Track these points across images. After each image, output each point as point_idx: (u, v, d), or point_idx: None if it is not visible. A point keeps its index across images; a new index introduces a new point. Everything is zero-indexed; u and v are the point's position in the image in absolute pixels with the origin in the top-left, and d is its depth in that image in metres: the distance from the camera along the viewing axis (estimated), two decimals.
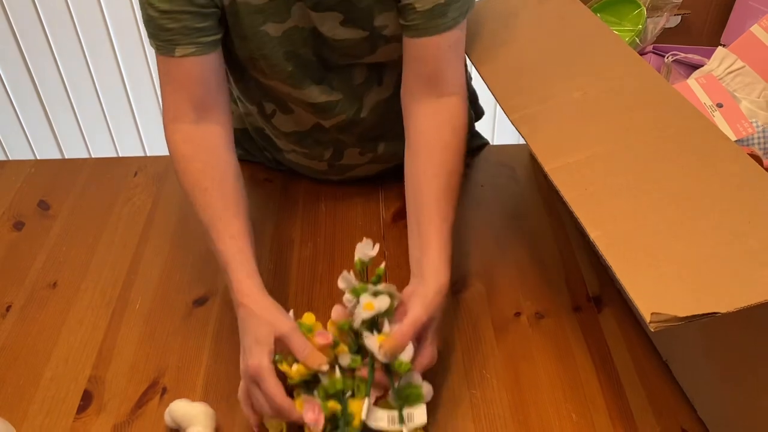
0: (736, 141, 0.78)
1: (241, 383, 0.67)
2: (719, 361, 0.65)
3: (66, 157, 2.06)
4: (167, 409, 0.70)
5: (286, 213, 0.98)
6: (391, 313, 0.67)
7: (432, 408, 0.71)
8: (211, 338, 0.80)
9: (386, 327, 0.66)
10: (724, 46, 0.99)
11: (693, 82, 0.80)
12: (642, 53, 0.91)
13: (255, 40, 0.77)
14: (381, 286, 0.68)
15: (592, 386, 0.73)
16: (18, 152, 2.06)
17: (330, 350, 0.66)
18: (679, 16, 0.97)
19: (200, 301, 0.84)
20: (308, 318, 0.68)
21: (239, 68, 0.84)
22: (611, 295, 0.83)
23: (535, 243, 0.91)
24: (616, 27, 0.89)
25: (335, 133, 0.91)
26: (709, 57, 0.92)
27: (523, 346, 0.78)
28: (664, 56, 0.91)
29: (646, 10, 0.89)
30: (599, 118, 0.68)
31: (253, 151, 1.05)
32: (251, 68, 0.82)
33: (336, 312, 0.69)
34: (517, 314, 0.81)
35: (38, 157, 2.04)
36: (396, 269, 0.88)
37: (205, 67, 0.75)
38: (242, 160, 1.07)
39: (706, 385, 0.68)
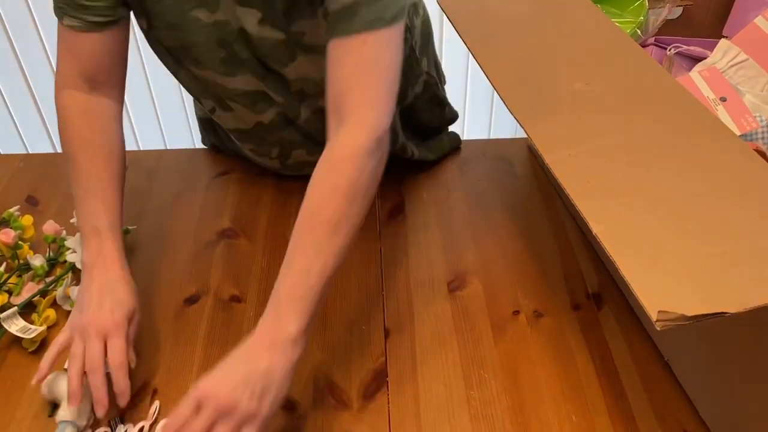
0: (740, 136, 0.76)
1: (67, 336, 0.68)
2: (722, 361, 0.64)
3: (58, 151, 2.03)
4: (44, 381, 0.69)
5: (280, 209, 0.96)
6: None
7: (428, 409, 0.70)
8: (202, 339, 0.78)
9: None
10: (726, 38, 0.97)
11: (696, 75, 0.78)
12: (643, 45, 0.89)
13: (185, 26, 0.74)
14: None
15: (592, 387, 0.71)
16: (9, 146, 2.03)
17: None
18: (681, 8, 0.95)
19: (192, 300, 0.82)
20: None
21: (172, 61, 0.81)
22: (611, 293, 0.82)
23: (533, 239, 0.90)
24: (618, 18, 0.87)
25: (277, 131, 0.88)
26: (711, 49, 0.90)
27: (522, 345, 0.76)
28: (665, 48, 0.89)
29: (648, 2, 0.87)
30: (601, 111, 0.66)
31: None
32: (184, 58, 0.79)
33: None
34: (516, 313, 0.80)
35: (30, 152, 2.01)
36: (392, 267, 0.86)
37: (95, 43, 0.73)
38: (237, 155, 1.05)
39: (708, 386, 0.67)
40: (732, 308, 0.46)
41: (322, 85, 0.69)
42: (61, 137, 0.76)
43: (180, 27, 0.74)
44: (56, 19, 0.73)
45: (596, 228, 0.54)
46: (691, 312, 0.47)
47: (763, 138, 0.85)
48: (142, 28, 0.78)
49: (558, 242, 0.89)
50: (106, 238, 0.72)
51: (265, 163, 0.97)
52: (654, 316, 0.47)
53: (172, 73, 0.85)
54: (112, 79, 0.77)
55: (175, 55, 0.80)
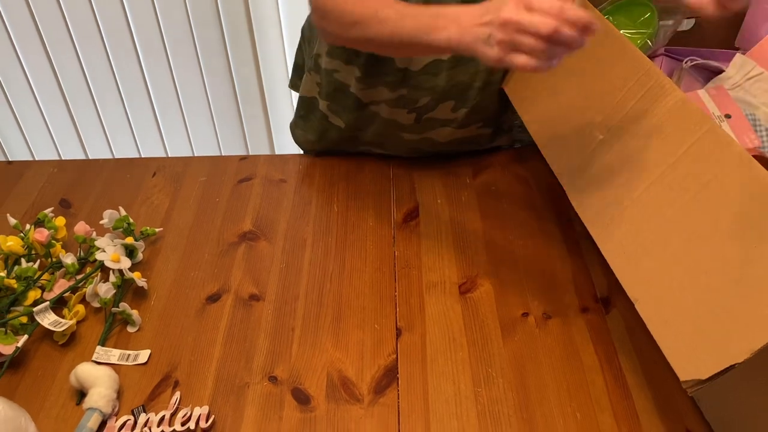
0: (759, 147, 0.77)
1: (499, 34, 0.61)
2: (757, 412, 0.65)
3: (90, 158, 2.10)
4: (72, 371, 0.73)
5: (299, 213, 0.99)
6: None
7: (436, 404, 0.72)
8: (222, 334, 0.81)
9: None
10: (738, 49, 0.99)
11: (704, 92, 0.80)
12: (654, 55, 0.91)
13: None
14: None
15: (598, 387, 0.73)
16: (43, 153, 2.11)
17: None
18: (693, 19, 0.96)
19: (213, 298, 0.86)
20: None
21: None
22: (619, 296, 0.83)
23: (544, 243, 0.92)
24: (629, 29, 0.89)
25: (445, 73, 0.93)
26: (725, 60, 0.91)
27: (530, 346, 0.78)
28: (675, 58, 0.91)
29: (659, 13, 0.89)
30: (626, 164, 0.70)
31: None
32: None
33: None
34: (525, 314, 0.82)
35: (63, 158, 2.09)
36: (406, 269, 0.89)
37: None
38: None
39: (712, 387, 0.68)
40: (739, 358, 0.51)
41: None
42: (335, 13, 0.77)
43: None
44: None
45: (638, 305, 0.62)
46: (705, 374, 0.52)
47: None
48: None
49: (567, 246, 0.91)
50: (423, 14, 0.70)
51: (395, 120, 1.00)
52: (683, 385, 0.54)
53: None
54: None
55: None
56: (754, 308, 0.52)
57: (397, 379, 0.75)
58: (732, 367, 0.50)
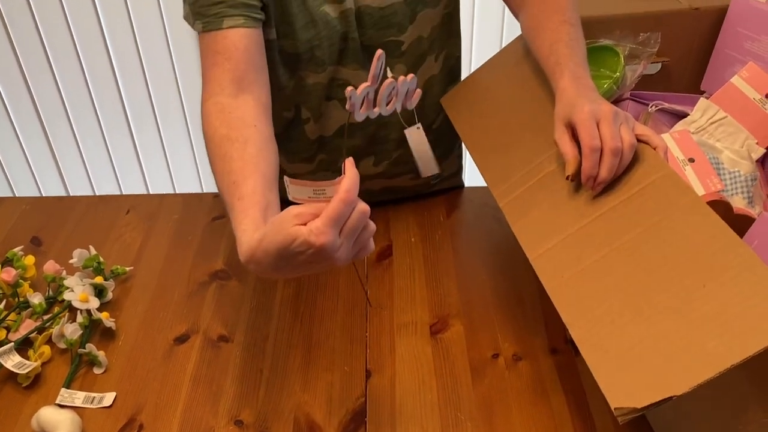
0: (721, 191, 0.79)
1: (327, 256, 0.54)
2: (695, 412, 0.65)
3: (70, 194, 2.09)
4: (35, 415, 0.72)
5: None
6: None
7: None
8: (189, 377, 0.80)
9: None
10: (704, 92, 1.01)
11: (668, 136, 0.81)
12: (620, 100, 0.92)
13: (319, 22, 0.83)
14: None
15: (566, 430, 0.72)
16: (24, 189, 2.10)
17: None
18: (659, 64, 0.99)
19: (181, 339, 0.85)
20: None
21: (286, 72, 0.88)
22: None
23: (515, 283, 0.92)
24: (594, 74, 0.91)
25: (359, 132, 0.96)
26: (690, 104, 0.93)
27: (499, 388, 0.78)
28: (642, 103, 0.93)
29: (625, 58, 0.91)
30: (570, 192, 0.71)
31: None
32: (305, 63, 0.87)
33: None
34: (495, 356, 0.82)
35: (44, 194, 2.08)
36: (377, 309, 0.89)
37: (250, 40, 0.77)
38: None
39: (680, 428, 0.68)
40: (678, 390, 0.51)
41: (429, 41, 0.91)
42: (206, 147, 0.73)
43: (316, 21, 0.83)
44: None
45: (573, 333, 0.62)
46: (641, 403, 0.52)
47: (742, 191, 0.87)
48: (268, 39, 0.83)
49: (539, 285, 0.91)
50: (239, 223, 0.63)
51: (323, 179, 1.01)
52: (614, 411, 0.53)
53: (277, 89, 0.87)
54: (259, 79, 0.78)
55: (293, 64, 0.87)
56: (697, 342, 0.52)
57: (365, 423, 0.74)
58: (670, 398, 0.50)
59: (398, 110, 0.63)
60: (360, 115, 0.60)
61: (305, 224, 0.53)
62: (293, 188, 0.56)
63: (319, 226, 0.52)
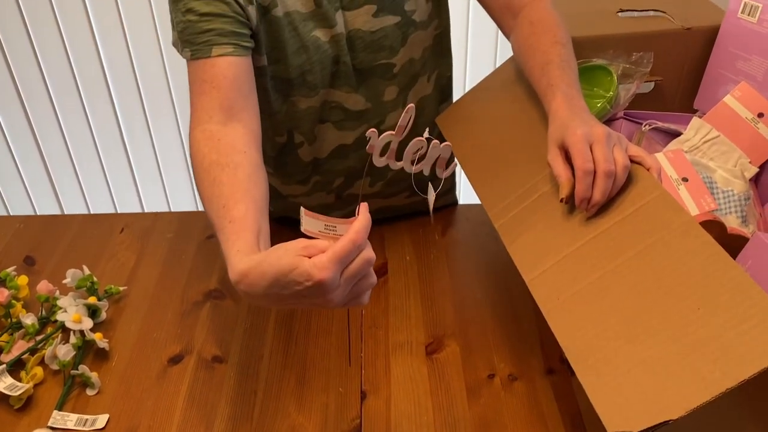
0: (714, 211, 0.79)
1: (325, 296, 0.54)
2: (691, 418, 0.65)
3: (65, 213, 2.09)
4: None
5: None
6: None
7: None
8: (183, 398, 0.80)
9: None
10: (696, 111, 1.02)
11: (662, 156, 0.82)
12: (613, 119, 0.93)
13: (311, 47, 0.84)
14: None
15: None
16: (18, 207, 2.09)
17: None
18: (652, 83, 0.99)
19: (175, 360, 0.85)
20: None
21: (279, 98, 0.89)
22: None
23: (511, 302, 0.92)
24: (588, 94, 0.91)
25: (352, 154, 0.96)
26: (683, 123, 0.94)
27: (495, 409, 0.77)
28: (635, 122, 0.93)
29: (618, 77, 0.92)
30: (564, 213, 0.71)
31: None
32: (298, 87, 0.87)
33: None
34: (491, 376, 0.81)
35: (38, 212, 2.07)
36: (372, 329, 0.88)
37: (239, 69, 0.77)
38: None
39: None
40: (674, 414, 0.50)
41: (421, 62, 0.92)
42: (194, 173, 0.73)
43: (307, 47, 0.83)
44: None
45: (569, 356, 0.60)
46: (637, 427, 0.51)
47: (735, 210, 0.87)
48: (259, 66, 0.83)
49: (534, 306, 0.91)
50: (228, 249, 0.62)
51: (319, 202, 1.03)
52: None
53: (269, 115, 0.89)
54: (248, 106, 0.77)
55: (285, 90, 0.87)
56: (692, 366, 0.52)
57: None
58: (666, 422, 0.50)
59: (426, 173, 0.63)
60: (380, 161, 0.61)
61: (310, 257, 0.53)
62: (306, 219, 0.56)
63: (323, 261, 0.52)
